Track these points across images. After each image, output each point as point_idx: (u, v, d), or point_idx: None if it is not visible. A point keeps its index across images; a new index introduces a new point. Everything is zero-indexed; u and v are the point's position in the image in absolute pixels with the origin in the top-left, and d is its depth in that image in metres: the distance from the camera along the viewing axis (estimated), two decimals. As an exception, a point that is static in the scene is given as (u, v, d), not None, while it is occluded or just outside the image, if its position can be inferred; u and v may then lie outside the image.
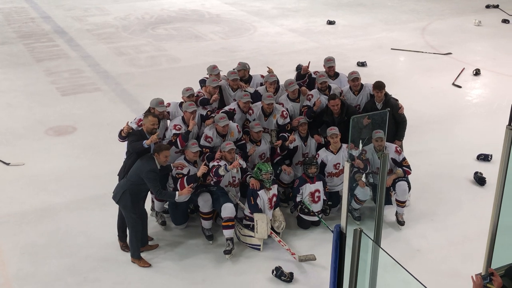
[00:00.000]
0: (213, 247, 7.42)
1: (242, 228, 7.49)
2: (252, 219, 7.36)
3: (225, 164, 7.18)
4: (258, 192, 7.39)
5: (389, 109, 6.32)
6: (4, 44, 15.84)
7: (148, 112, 7.29)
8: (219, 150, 7.40)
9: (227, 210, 7.19)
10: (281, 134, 8.04)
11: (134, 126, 7.31)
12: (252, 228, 7.37)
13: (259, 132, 7.79)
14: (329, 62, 8.92)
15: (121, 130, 7.19)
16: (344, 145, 7.80)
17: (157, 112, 7.37)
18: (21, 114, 11.38)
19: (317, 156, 7.92)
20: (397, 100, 8.47)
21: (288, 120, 8.12)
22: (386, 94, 8.27)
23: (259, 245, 7.38)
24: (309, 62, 8.81)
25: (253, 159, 7.87)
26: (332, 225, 5.94)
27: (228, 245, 7.21)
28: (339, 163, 7.88)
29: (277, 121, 8.08)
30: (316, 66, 8.90)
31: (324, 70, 8.94)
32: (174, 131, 7.45)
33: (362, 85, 8.57)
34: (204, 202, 7.35)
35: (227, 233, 7.24)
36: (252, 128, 7.81)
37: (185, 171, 7.23)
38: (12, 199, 8.45)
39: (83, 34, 17.02)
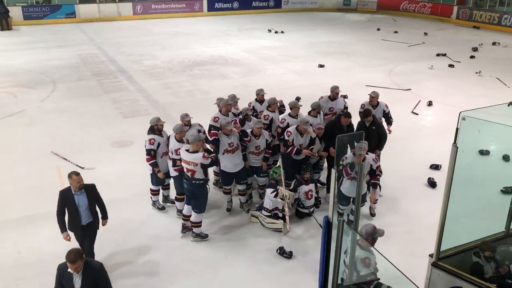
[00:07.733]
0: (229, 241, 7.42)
1: (266, 218, 7.46)
2: (269, 211, 7.42)
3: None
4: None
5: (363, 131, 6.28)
6: (81, 80, 16.02)
7: (72, 173, 6.02)
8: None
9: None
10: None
11: (211, 122, 7.90)
12: (272, 217, 7.39)
13: (259, 128, 7.63)
14: (337, 89, 8.84)
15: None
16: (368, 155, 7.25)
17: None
18: (93, 131, 11.48)
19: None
20: (381, 121, 8.46)
21: (315, 134, 7.93)
22: (374, 116, 8.16)
23: (281, 229, 7.35)
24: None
25: (249, 148, 7.71)
26: (322, 216, 5.94)
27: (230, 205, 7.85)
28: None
29: (311, 136, 7.84)
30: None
31: (329, 95, 8.86)
32: (212, 123, 7.86)
33: (378, 102, 8.59)
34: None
35: (243, 199, 7.88)
36: (254, 124, 7.71)
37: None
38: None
39: (139, 73, 17.16)
